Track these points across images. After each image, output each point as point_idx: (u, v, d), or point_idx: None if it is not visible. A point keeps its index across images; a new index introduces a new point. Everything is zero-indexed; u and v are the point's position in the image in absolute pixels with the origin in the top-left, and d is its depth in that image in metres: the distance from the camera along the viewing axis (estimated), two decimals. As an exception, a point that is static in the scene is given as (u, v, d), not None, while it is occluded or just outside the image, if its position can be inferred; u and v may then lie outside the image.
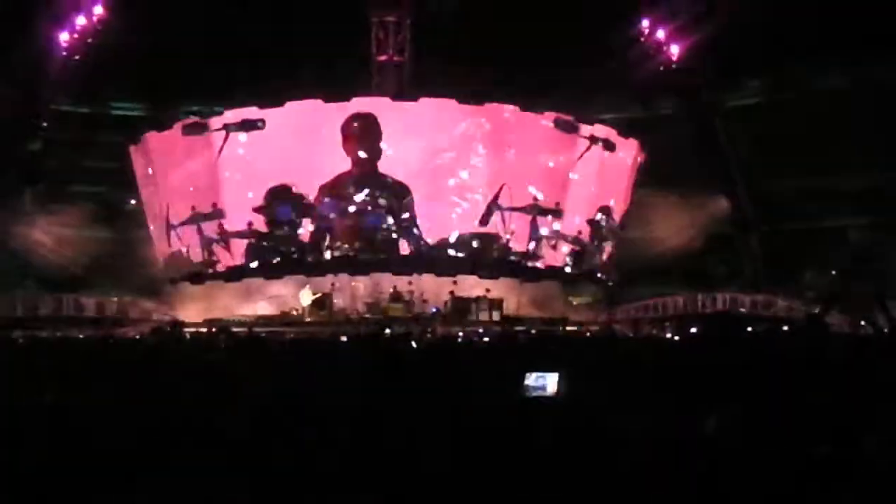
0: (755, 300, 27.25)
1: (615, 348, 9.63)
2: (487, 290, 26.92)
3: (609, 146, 28.95)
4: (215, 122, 27.71)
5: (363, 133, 26.95)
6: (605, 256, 29.78)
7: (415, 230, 27.25)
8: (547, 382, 4.72)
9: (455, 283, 26.97)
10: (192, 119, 28.93)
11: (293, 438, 3.75)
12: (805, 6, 26.33)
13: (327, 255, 27.29)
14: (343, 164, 27.04)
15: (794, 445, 2.69)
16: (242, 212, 27.42)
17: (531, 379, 4.68)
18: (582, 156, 28.28)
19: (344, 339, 14.37)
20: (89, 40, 30.39)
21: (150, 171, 29.19)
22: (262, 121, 26.91)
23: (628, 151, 29.70)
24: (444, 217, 27.47)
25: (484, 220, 27.48)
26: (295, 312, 26.98)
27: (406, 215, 27.18)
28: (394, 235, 27.27)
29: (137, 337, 17.83)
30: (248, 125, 27.01)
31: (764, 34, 28.44)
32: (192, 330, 20.95)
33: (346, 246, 27.22)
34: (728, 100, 33.42)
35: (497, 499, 2.89)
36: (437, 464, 3.34)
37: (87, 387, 5.21)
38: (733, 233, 32.99)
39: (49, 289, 27.75)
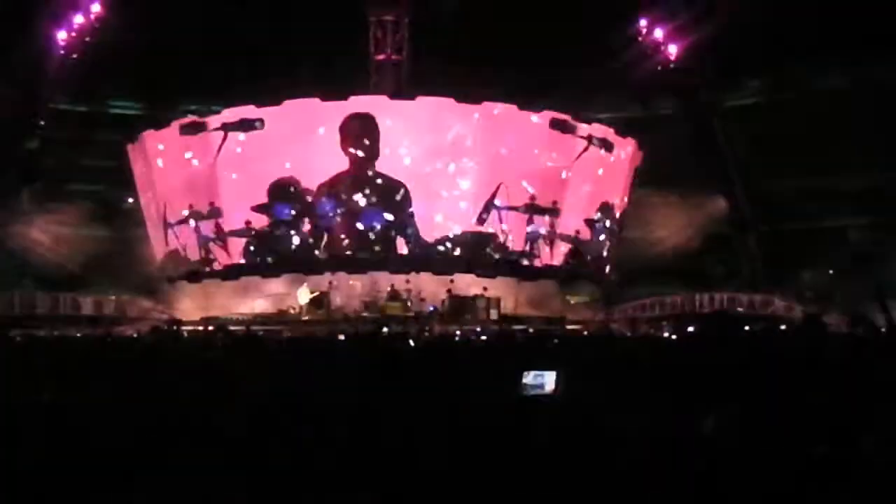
0: (753, 300, 27.27)
1: (612, 347, 9.63)
2: (485, 289, 26.91)
3: (607, 145, 28.95)
4: (213, 121, 27.72)
5: (361, 132, 26.94)
6: (602, 256, 29.77)
7: (412, 229, 27.25)
8: (544, 381, 4.72)
9: (452, 281, 26.96)
10: (190, 118, 28.93)
11: (291, 437, 3.75)
12: (805, 6, 26.33)
13: (325, 253, 27.29)
14: (341, 163, 27.03)
15: (791, 445, 2.68)
16: (240, 210, 27.43)
17: (529, 378, 4.68)
18: (580, 156, 28.28)
19: (341, 337, 14.35)
20: (87, 39, 30.38)
21: (147, 169, 29.18)
22: (261, 120, 26.90)
23: (626, 151, 29.70)
24: (442, 216, 27.47)
25: (481, 219, 27.50)
26: (292, 311, 26.96)
27: (403, 214, 27.17)
28: (391, 234, 27.27)
29: (135, 335, 17.81)
30: (246, 124, 27.00)
31: (763, 34, 28.45)
32: (190, 328, 20.94)
33: (345, 245, 27.22)
34: (727, 99, 33.47)
35: (494, 497, 2.89)
36: (435, 462, 3.33)
37: (85, 385, 5.21)
38: (731, 232, 33.01)
39: (46, 287, 27.72)
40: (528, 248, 28.05)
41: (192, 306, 27.24)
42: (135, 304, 27.63)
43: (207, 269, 28.05)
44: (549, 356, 7.55)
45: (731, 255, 33.29)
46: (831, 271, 28.62)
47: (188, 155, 27.97)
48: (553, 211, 28.11)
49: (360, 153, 27.02)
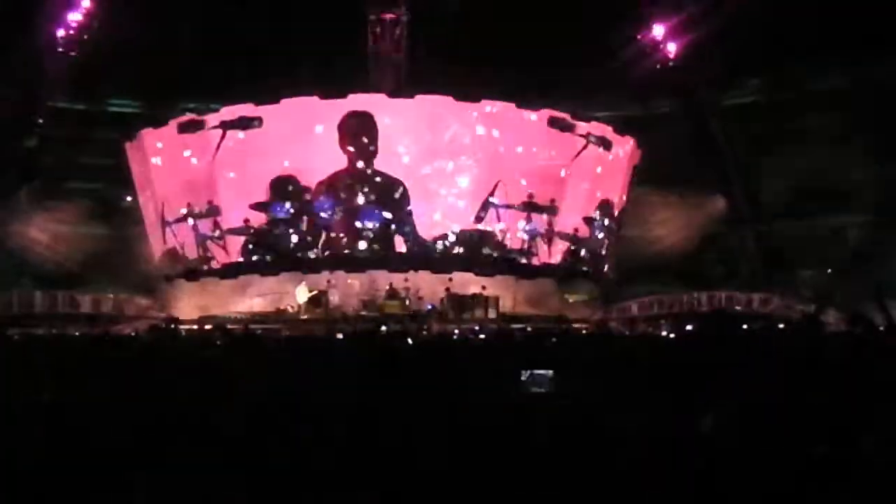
0: (752, 299, 27.28)
1: (611, 346, 9.62)
2: (484, 288, 26.91)
3: (605, 144, 28.95)
4: (211, 119, 27.71)
5: (360, 131, 26.93)
6: (601, 254, 29.76)
7: (411, 227, 27.24)
8: (543, 380, 4.72)
9: (451, 280, 26.96)
10: (188, 116, 28.89)
11: (289, 436, 3.74)
12: (805, 6, 26.30)
13: (323, 252, 27.27)
14: (340, 161, 27.02)
15: (790, 445, 2.68)
16: (238, 209, 27.42)
17: (527, 376, 4.68)
18: (579, 154, 28.27)
19: (340, 336, 14.34)
20: (86, 37, 30.36)
21: (145, 168, 29.16)
22: (260, 118, 26.88)
23: (625, 149, 29.69)
24: (440, 214, 27.46)
25: (479, 218, 27.50)
26: (290, 309, 26.96)
27: (402, 212, 27.15)
28: (390, 233, 27.25)
29: (133, 334, 17.80)
30: (244, 123, 26.99)
31: (763, 33, 28.43)
32: (188, 327, 20.94)
33: (343, 243, 27.22)
34: (726, 98, 33.43)
35: (493, 496, 2.88)
36: (434, 461, 3.33)
37: (83, 384, 5.20)
38: (730, 231, 33.01)
39: (45, 286, 27.71)
40: (526, 246, 28.05)
41: (190, 305, 27.23)
42: (133, 303, 27.63)
43: (205, 267, 28.04)
44: (547, 355, 7.55)
45: (729, 254, 33.29)
46: (830, 270, 28.64)
47: (186, 153, 27.99)
48: (551, 209, 28.12)
49: (359, 151, 27.00)
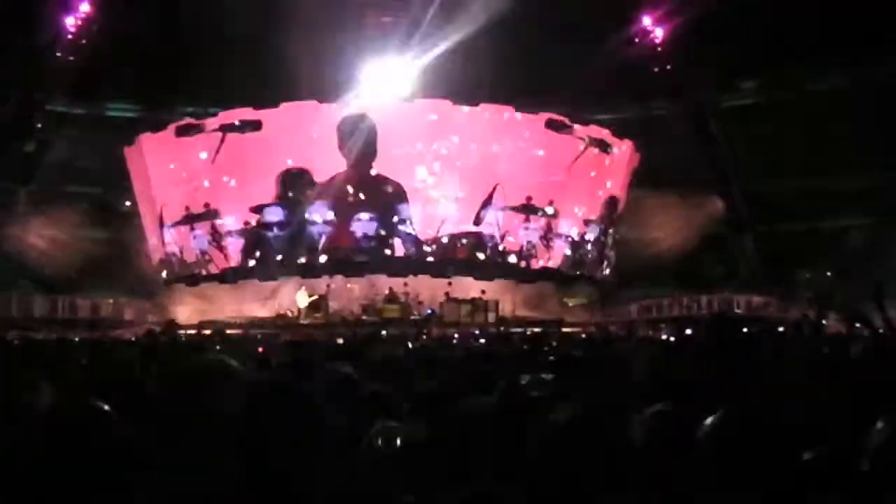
0: (751, 301, 27.28)
1: (610, 349, 9.62)
2: (483, 292, 26.91)
3: (604, 147, 28.90)
4: (210, 123, 27.66)
5: (358, 134, 26.90)
6: (600, 257, 29.75)
7: (409, 231, 27.20)
8: (542, 384, 4.71)
9: (450, 284, 26.96)
10: (187, 120, 28.86)
11: (289, 436, 3.71)
12: (805, 6, 26.29)
13: (322, 256, 27.24)
14: (338, 164, 26.99)
15: (790, 447, 2.67)
16: (237, 213, 27.39)
17: (526, 380, 4.67)
18: (578, 158, 28.19)
19: (340, 341, 14.34)
20: (84, 41, 30.37)
21: (144, 172, 29.12)
22: (259, 122, 26.83)
23: (623, 152, 29.66)
24: (439, 217, 27.41)
25: (478, 221, 27.45)
26: (290, 314, 26.97)
27: (401, 216, 27.10)
28: (388, 236, 27.20)
29: (132, 339, 17.80)
30: (244, 126, 26.94)
31: (762, 34, 28.43)
32: (186, 332, 20.93)
33: (342, 247, 27.20)
34: (725, 100, 33.41)
35: (491, 500, 2.88)
36: (433, 464, 3.32)
37: (83, 388, 5.19)
38: (729, 233, 33.02)
39: (44, 290, 27.71)
40: (525, 249, 28.01)
41: (189, 309, 27.21)
42: (132, 307, 27.62)
43: (204, 272, 28.00)
44: (546, 358, 7.53)
45: (728, 256, 33.29)
46: (830, 272, 28.61)
47: (185, 158, 27.91)
48: (550, 212, 28.07)
49: (358, 155, 26.95)
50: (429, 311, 26.63)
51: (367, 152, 26.91)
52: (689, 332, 16.56)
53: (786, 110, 30.96)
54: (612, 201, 29.61)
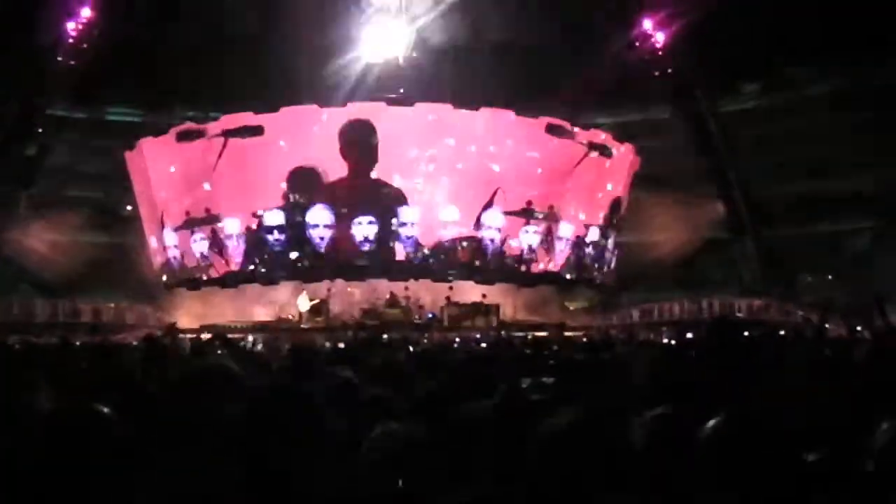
0: (752, 305, 27.26)
1: (611, 352, 9.60)
2: (484, 296, 26.90)
3: (604, 151, 28.88)
4: (211, 128, 27.62)
5: (360, 139, 26.87)
6: (601, 261, 29.72)
7: (410, 236, 27.17)
8: (542, 387, 4.70)
9: (451, 288, 26.94)
10: (187, 125, 28.83)
11: (289, 437, 3.71)
12: (805, 8, 26.26)
13: (323, 261, 27.23)
14: (340, 169, 26.97)
15: (790, 450, 2.67)
16: (237, 217, 27.37)
17: (527, 384, 4.67)
18: (579, 162, 28.16)
19: (341, 345, 14.32)
20: (85, 45, 30.40)
21: (145, 176, 29.12)
22: (261, 127, 26.80)
23: (624, 156, 29.64)
24: (439, 222, 27.39)
25: (479, 225, 27.42)
26: (292, 318, 26.97)
27: (401, 221, 27.07)
28: (389, 241, 27.18)
29: (134, 343, 17.79)
30: (246, 131, 26.90)
31: (763, 37, 28.41)
32: (187, 336, 20.91)
33: (343, 251, 27.19)
34: (725, 103, 33.38)
35: (491, 503, 2.87)
36: (433, 467, 3.31)
37: (84, 393, 5.18)
38: (730, 237, 33.00)
39: (45, 294, 27.71)
40: (526, 253, 27.98)
41: (190, 314, 27.20)
42: (134, 311, 27.62)
43: (205, 276, 27.98)
44: (547, 362, 7.53)
45: (729, 260, 33.27)
46: (830, 276, 28.61)
47: (186, 162, 27.88)
48: (551, 216, 28.04)
49: (359, 159, 26.93)
50: (430, 316, 26.63)
51: (369, 157, 26.89)
52: (690, 335, 16.55)
53: (786, 114, 30.92)
54: (612, 205, 29.57)
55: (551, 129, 27.73)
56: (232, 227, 27.36)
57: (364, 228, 26.90)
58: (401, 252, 27.18)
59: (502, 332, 23.06)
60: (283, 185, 26.85)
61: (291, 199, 26.88)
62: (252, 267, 27.47)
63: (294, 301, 27.18)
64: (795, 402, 4.01)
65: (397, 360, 7.40)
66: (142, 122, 32.72)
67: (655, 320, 27.65)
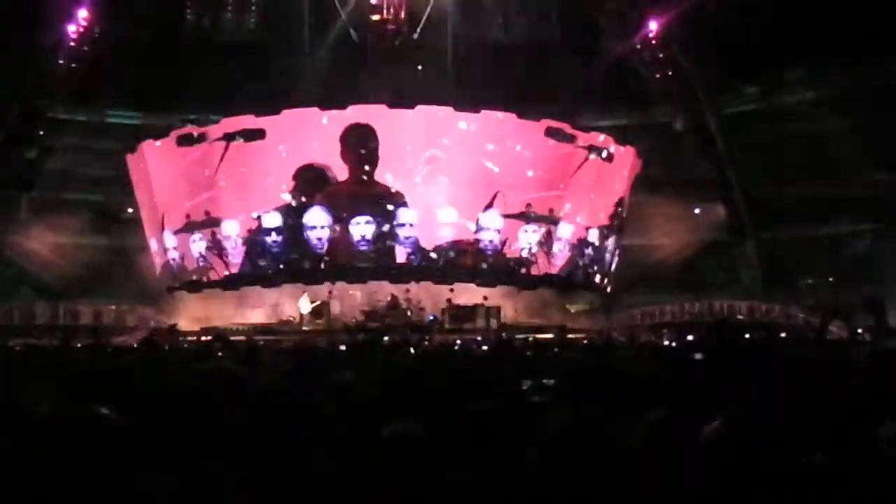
0: (753, 307, 27.24)
1: (612, 355, 9.60)
2: (485, 298, 26.89)
3: (605, 154, 28.87)
4: (212, 131, 27.64)
5: (361, 142, 26.89)
6: (602, 264, 29.70)
7: (411, 238, 27.17)
8: (543, 389, 4.70)
9: (452, 291, 26.94)
10: (188, 128, 28.84)
11: (290, 438, 3.71)
12: (805, 8, 26.23)
13: (324, 263, 27.22)
14: (341, 172, 26.99)
15: (791, 453, 2.67)
16: (238, 220, 27.38)
17: (528, 386, 4.67)
18: (580, 166, 28.14)
19: (342, 347, 14.30)
20: (86, 48, 30.39)
21: (145, 179, 29.12)
22: (263, 131, 26.79)
23: (625, 159, 29.63)
24: (440, 225, 27.39)
25: (479, 228, 27.44)
26: (293, 320, 26.96)
27: (402, 223, 27.07)
28: (390, 243, 27.19)
29: (134, 345, 17.78)
30: (247, 135, 26.89)
31: (763, 39, 28.38)
32: (188, 339, 20.92)
33: (344, 254, 27.19)
34: (726, 105, 33.31)
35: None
36: (433, 469, 3.31)
37: (83, 393, 5.18)
38: (731, 239, 32.96)
39: (46, 297, 27.70)
40: (526, 256, 27.98)
41: (191, 316, 27.19)
42: (135, 314, 27.61)
43: (205, 279, 27.98)
44: (548, 365, 7.52)
45: (730, 262, 33.24)
46: (831, 278, 28.59)
47: (186, 165, 27.86)
48: (551, 219, 28.03)
49: (360, 162, 26.96)
50: (431, 318, 26.59)
51: (369, 161, 26.90)
52: (691, 337, 16.54)
53: (787, 116, 30.88)
54: (613, 207, 29.58)
55: (552, 133, 27.74)
56: (231, 229, 27.37)
57: (361, 228, 26.90)
58: (401, 254, 27.21)
59: (503, 335, 23.05)
60: (287, 185, 26.92)
61: (296, 198, 26.89)
62: (253, 269, 27.49)
63: (295, 303, 27.15)
64: (795, 405, 4.01)
65: (398, 362, 7.39)
66: (142, 125, 32.68)
67: (656, 323, 27.62)
